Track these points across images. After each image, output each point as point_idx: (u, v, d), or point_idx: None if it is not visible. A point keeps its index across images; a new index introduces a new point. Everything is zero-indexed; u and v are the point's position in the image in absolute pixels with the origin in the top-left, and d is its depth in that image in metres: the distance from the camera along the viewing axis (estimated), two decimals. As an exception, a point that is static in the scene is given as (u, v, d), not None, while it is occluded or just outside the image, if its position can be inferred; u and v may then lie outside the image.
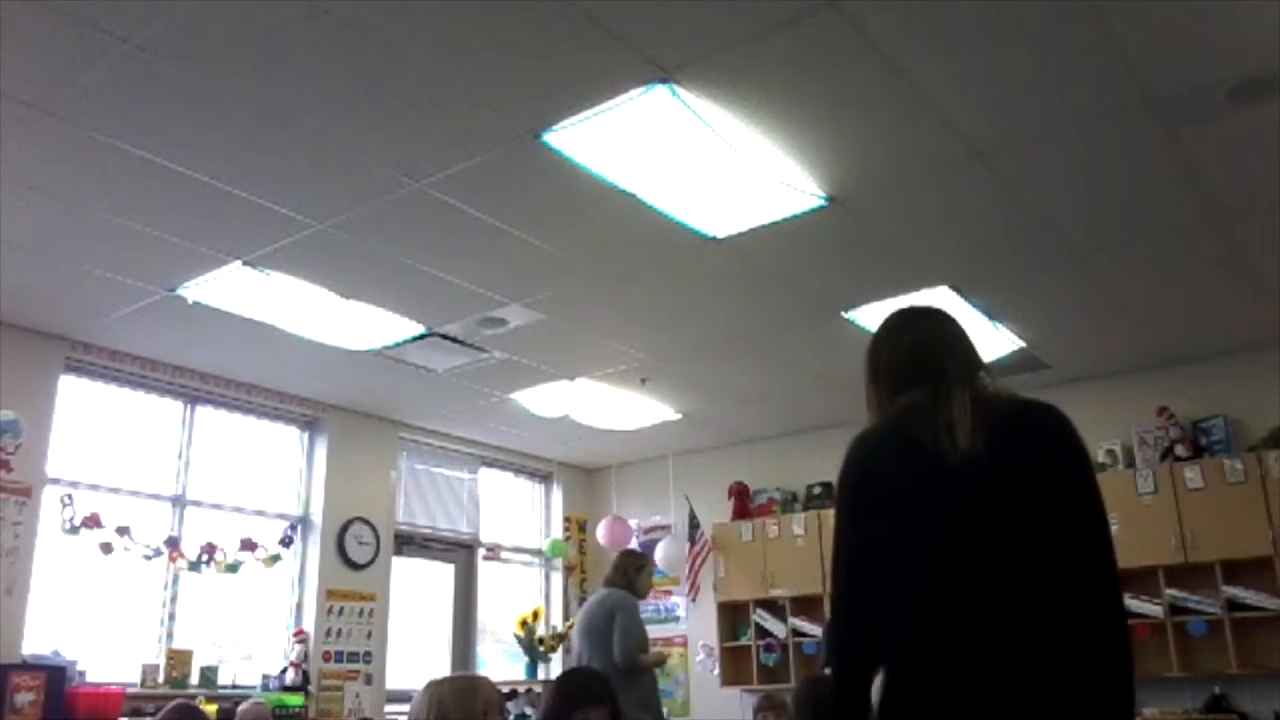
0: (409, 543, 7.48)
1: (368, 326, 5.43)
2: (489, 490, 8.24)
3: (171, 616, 5.96)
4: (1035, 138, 3.75)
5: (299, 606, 6.62)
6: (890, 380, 2.01)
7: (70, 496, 5.54)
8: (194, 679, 5.73)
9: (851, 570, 1.91)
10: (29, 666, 5.01)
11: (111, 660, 5.57)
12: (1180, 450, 6.04)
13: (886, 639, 1.82)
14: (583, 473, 8.87)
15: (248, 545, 6.29)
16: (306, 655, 6.32)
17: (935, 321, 2.08)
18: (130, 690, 5.39)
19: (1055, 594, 1.73)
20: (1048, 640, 1.72)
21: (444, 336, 5.63)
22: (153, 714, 4.81)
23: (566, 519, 8.62)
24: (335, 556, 6.72)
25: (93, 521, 5.56)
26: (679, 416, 7.22)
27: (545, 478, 8.71)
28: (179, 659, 5.72)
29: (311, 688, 6.28)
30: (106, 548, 5.59)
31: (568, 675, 3.40)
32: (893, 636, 1.81)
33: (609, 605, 5.09)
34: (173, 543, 5.95)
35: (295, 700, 6.04)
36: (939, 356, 1.96)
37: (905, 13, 3.03)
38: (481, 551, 8.00)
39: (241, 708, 5.11)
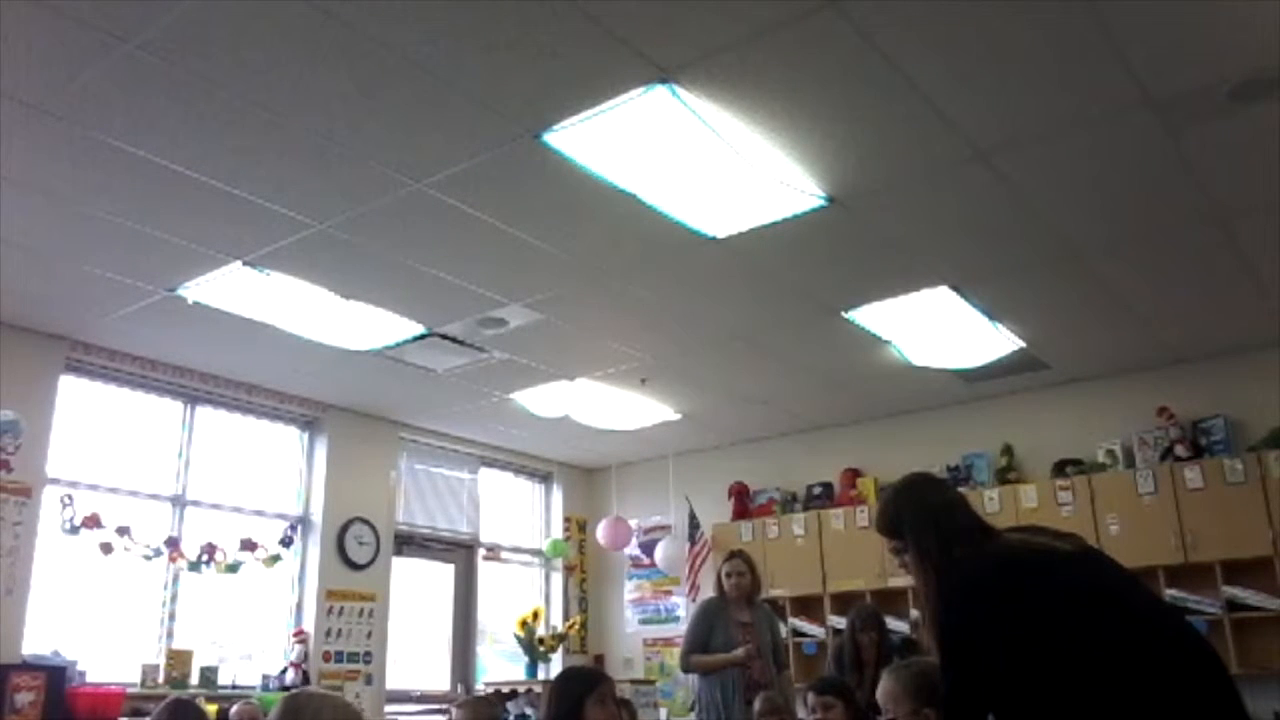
0: (409, 543, 7.47)
1: (368, 326, 5.43)
2: (489, 490, 8.23)
3: (171, 616, 5.96)
4: (1035, 138, 3.75)
5: (299, 606, 6.62)
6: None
7: (70, 496, 5.54)
8: (194, 679, 5.72)
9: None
10: (29, 666, 5.01)
11: (111, 660, 5.57)
12: (1180, 450, 6.03)
13: None
14: (583, 473, 8.86)
15: (248, 545, 6.29)
16: (306, 655, 6.33)
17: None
18: (130, 690, 5.39)
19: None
20: None
21: (444, 336, 5.63)
22: (153, 714, 4.80)
23: (566, 519, 8.62)
24: (335, 556, 6.72)
25: (93, 521, 5.56)
26: (679, 416, 7.21)
27: (545, 478, 8.70)
28: (179, 659, 5.72)
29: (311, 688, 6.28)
30: (106, 548, 5.59)
31: (566, 671, 3.51)
32: None
33: None
34: (173, 543, 5.95)
35: (295, 700, 6.03)
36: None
37: (905, 13, 3.03)
38: (481, 552, 7.99)
39: (234, 709, 5.09)
